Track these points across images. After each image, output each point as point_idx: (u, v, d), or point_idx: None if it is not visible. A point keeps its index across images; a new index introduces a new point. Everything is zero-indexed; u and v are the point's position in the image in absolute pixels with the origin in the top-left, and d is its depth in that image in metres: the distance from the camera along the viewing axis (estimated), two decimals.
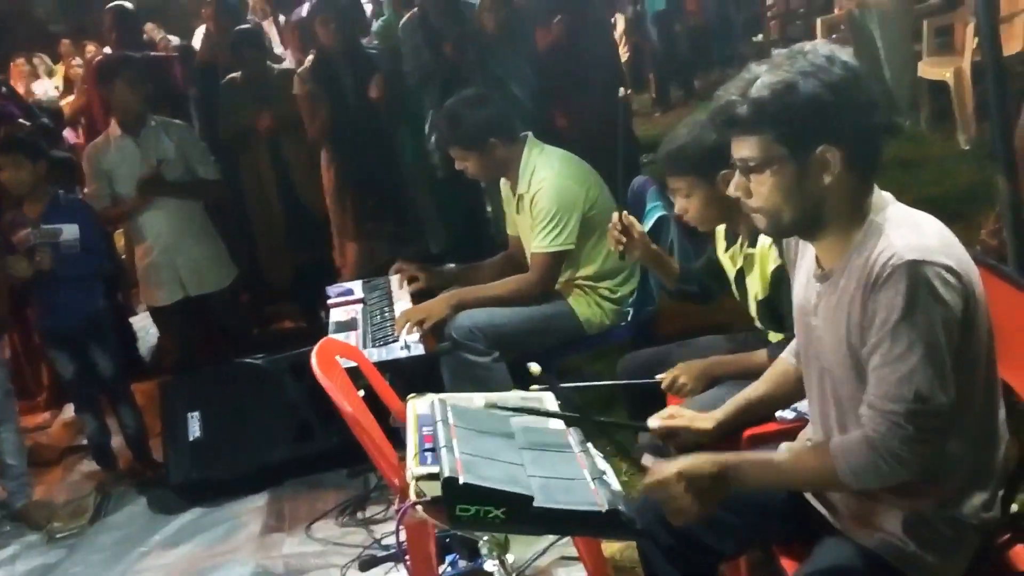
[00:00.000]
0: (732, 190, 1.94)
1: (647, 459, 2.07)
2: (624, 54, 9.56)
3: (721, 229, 2.90)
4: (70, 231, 4.30)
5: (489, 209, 5.60)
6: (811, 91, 1.77)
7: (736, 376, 2.79)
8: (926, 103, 6.51)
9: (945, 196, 5.24)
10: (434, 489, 1.95)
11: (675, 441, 2.37)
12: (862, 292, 1.80)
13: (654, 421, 2.37)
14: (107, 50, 6.16)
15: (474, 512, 1.86)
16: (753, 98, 1.81)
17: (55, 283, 4.30)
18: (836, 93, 1.77)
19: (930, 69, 6.29)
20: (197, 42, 7.08)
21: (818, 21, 8.09)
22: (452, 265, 4.39)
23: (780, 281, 2.57)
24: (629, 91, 3.43)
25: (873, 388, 1.81)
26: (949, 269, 1.74)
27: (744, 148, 1.86)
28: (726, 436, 2.35)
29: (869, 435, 1.80)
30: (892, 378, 1.76)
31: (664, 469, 1.95)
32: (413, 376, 3.35)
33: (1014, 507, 1.97)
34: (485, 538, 2.15)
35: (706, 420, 2.33)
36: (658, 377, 2.87)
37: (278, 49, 7.40)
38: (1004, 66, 3.12)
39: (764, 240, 2.62)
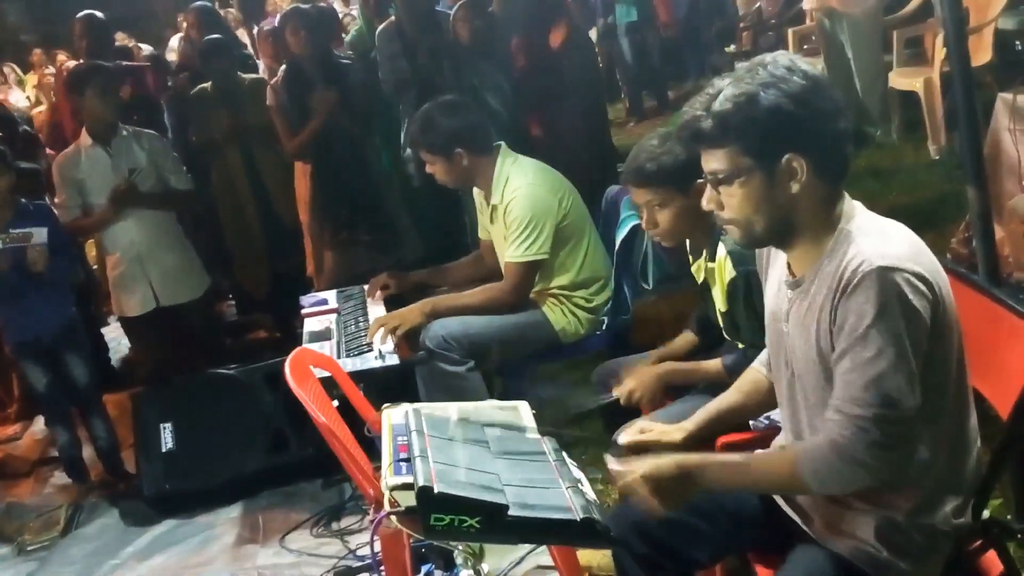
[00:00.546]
0: (704, 203, 1.97)
1: (611, 461, 2.07)
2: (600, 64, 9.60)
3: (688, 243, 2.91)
4: (39, 235, 4.29)
5: (467, 219, 5.61)
6: (772, 101, 1.80)
7: (690, 383, 2.81)
8: (897, 113, 6.57)
9: (916, 205, 5.30)
10: (409, 499, 1.95)
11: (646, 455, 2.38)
12: (832, 298, 1.82)
13: (623, 437, 2.35)
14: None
15: (449, 522, 1.86)
16: (716, 112, 1.84)
17: (25, 291, 4.27)
18: (797, 102, 1.80)
19: (900, 79, 6.35)
20: (170, 52, 7.07)
21: (790, 32, 8.15)
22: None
23: (735, 292, 2.58)
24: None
25: (840, 392, 1.82)
26: (919, 276, 1.76)
27: (712, 161, 1.89)
28: (697, 447, 2.35)
29: (835, 439, 1.82)
30: (859, 383, 1.78)
31: (628, 472, 1.98)
32: (388, 386, 3.35)
33: (986, 513, 1.98)
34: (460, 547, 2.15)
35: (676, 432, 2.31)
36: (614, 392, 2.86)
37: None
38: (972, 76, 3.16)
39: (721, 253, 2.64)
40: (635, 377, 2.83)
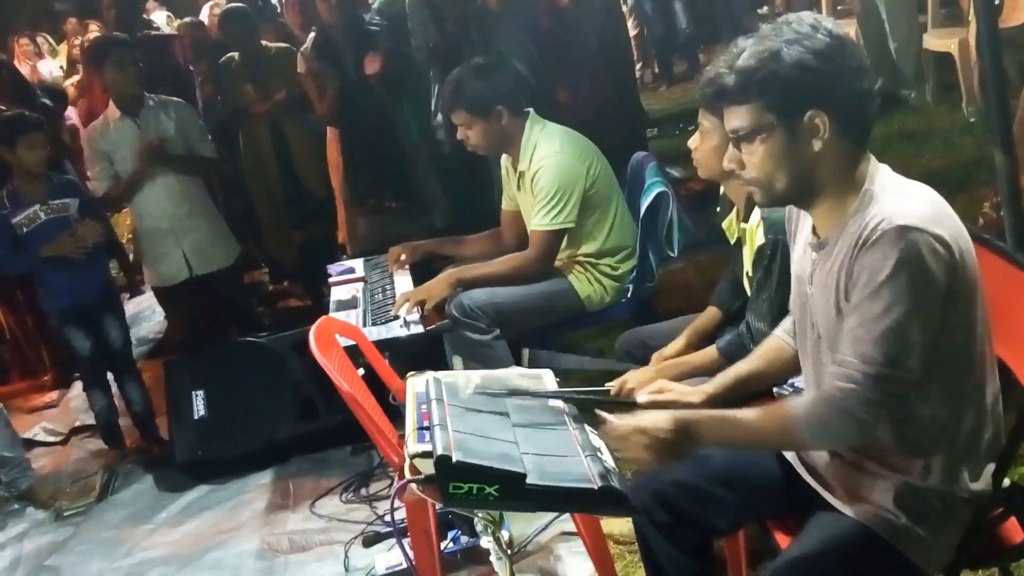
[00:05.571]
0: (726, 163, 1.97)
1: (606, 415, 2.07)
2: (633, 29, 9.51)
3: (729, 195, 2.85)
4: (74, 206, 4.39)
5: (495, 187, 5.60)
6: (796, 57, 1.79)
7: (687, 376, 2.72)
8: (931, 75, 6.46)
9: (950, 168, 5.23)
10: (429, 467, 1.96)
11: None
12: (851, 255, 1.81)
13: (642, 396, 2.32)
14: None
15: (467, 490, 1.87)
16: (739, 67, 1.84)
17: (69, 260, 4.34)
18: (821, 58, 1.80)
19: (935, 41, 6.24)
20: (205, 19, 7.08)
21: None
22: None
23: (761, 259, 2.56)
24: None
25: (845, 347, 1.82)
26: (938, 239, 1.74)
27: (734, 118, 1.89)
28: None
29: (833, 393, 1.83)
30: (866, 338, 1.78)
31: (623, 424, 1.98)
32: (414, 354, 3.37)
33: (1006, 481, 1.97)
34: (480, 515, 2.17)
35: (695, 395, 2.27)
36: (607, 385, 2.83)
37: None
38: (1000, 38, 3.09)
39: (755, 218, 2.61)
40: (632, 372, 2.74)
